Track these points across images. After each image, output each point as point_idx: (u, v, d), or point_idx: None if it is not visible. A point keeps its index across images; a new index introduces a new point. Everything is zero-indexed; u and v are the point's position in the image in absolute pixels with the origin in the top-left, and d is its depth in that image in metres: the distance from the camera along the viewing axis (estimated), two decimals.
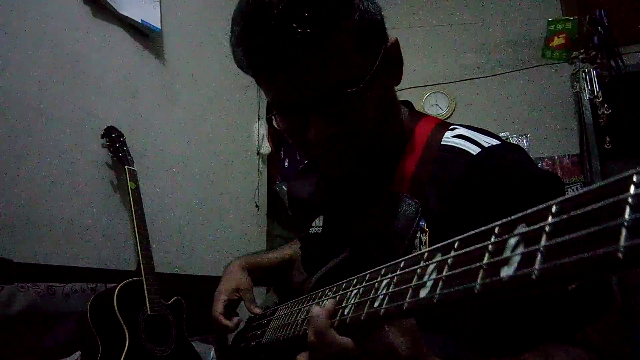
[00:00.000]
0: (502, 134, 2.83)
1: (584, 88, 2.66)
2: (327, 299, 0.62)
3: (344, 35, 0.65)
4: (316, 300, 0.66)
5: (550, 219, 0.28)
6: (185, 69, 2.23)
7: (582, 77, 2.67)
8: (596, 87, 2.61)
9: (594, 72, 2.65)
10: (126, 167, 1.70)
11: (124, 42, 1.90)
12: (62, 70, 1.61)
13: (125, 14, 1.85)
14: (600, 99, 2.55)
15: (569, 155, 2.82)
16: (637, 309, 2.39)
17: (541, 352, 0.59)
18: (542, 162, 2.83)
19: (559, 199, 0.29)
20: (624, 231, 0.22)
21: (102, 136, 1.71)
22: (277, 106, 0.72)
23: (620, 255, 0.22)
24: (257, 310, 1.02)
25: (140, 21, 1.92)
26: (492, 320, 0.64)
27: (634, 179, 0.23)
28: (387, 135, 0.75)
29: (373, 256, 0.68)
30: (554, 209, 0.29)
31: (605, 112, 2.51)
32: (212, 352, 1.75)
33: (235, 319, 1.06)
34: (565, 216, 0.27)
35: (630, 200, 0.23)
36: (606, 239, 0.23)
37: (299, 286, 0.92)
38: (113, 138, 1.70)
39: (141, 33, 1.98)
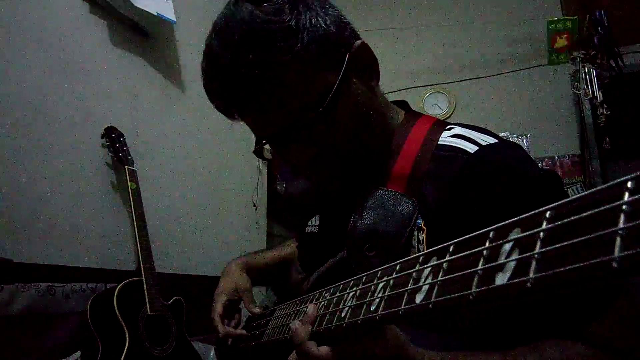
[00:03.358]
0: (502, 134, 2.83)
1: (584, 88, 2.66)
2: (325, 300, 0.62)
3: (294, 64, 0.66)
4: (314, 302, 0.66)
5: (544, 225, 0.28)
6: (186, 68, 2.23)
7: (582, 77, 2.67)
8: (596, 87, 2.60)
9: (594, 72, 2.65)
10: (126, 167, 1.70)
11: (125, 41, 1.90)
12: (62, 70, 1.60)
13: (139, 6, 1.82)
14: (600, 99, 2.54)
15: (569, 155, 2.81)
16: None
17: (534, 347, 0.58)
18: (542, 162, 2.82)
19: (553, 205, 0.28)
20: (618, 240, 0.22)
21: (102, 136, 1.71)
22: (257, 140, 0.76)
23: (615, 264, 0.22)
24: (256, 310, 1.03)
25: (155, 14, 1.89)
26: (493, 317, 0.64)
27: (629, 185, 0.23)
28: (371, 138, 0.75)
29: (369, 256, 0.68)
30: (548, 214, 0.28)
31: (605, 112, 2.51)
32: (212, 352, 1.75)
33: (233, 322, 1.07)
34: (559, 222, 0.27)
35: (624, 207, 0.23)
36: (600, 248, 0.23)
37: (297, 285, 0.93)
38: (113, 138, 1.70)
39: (142, 32, 1.97)
